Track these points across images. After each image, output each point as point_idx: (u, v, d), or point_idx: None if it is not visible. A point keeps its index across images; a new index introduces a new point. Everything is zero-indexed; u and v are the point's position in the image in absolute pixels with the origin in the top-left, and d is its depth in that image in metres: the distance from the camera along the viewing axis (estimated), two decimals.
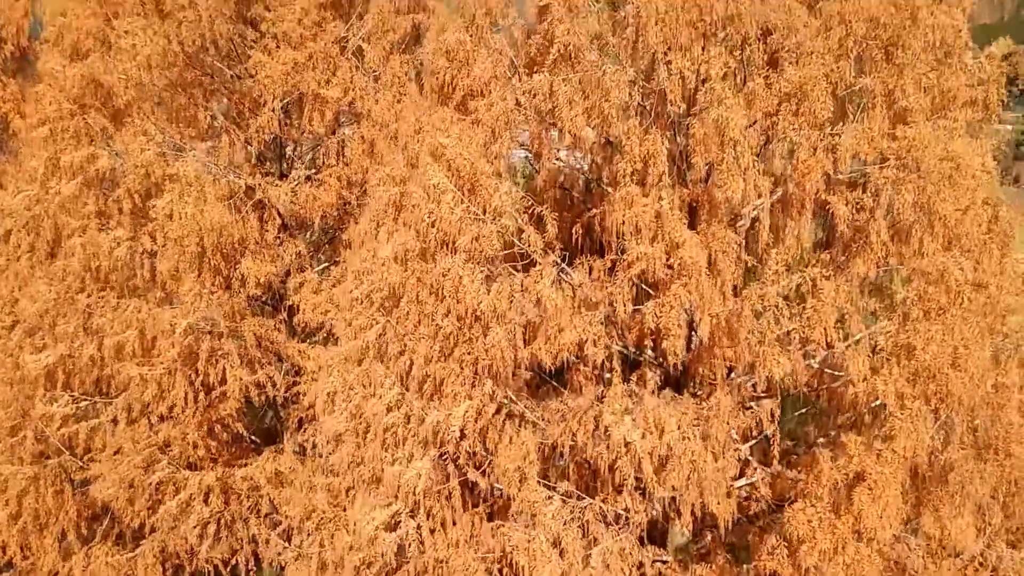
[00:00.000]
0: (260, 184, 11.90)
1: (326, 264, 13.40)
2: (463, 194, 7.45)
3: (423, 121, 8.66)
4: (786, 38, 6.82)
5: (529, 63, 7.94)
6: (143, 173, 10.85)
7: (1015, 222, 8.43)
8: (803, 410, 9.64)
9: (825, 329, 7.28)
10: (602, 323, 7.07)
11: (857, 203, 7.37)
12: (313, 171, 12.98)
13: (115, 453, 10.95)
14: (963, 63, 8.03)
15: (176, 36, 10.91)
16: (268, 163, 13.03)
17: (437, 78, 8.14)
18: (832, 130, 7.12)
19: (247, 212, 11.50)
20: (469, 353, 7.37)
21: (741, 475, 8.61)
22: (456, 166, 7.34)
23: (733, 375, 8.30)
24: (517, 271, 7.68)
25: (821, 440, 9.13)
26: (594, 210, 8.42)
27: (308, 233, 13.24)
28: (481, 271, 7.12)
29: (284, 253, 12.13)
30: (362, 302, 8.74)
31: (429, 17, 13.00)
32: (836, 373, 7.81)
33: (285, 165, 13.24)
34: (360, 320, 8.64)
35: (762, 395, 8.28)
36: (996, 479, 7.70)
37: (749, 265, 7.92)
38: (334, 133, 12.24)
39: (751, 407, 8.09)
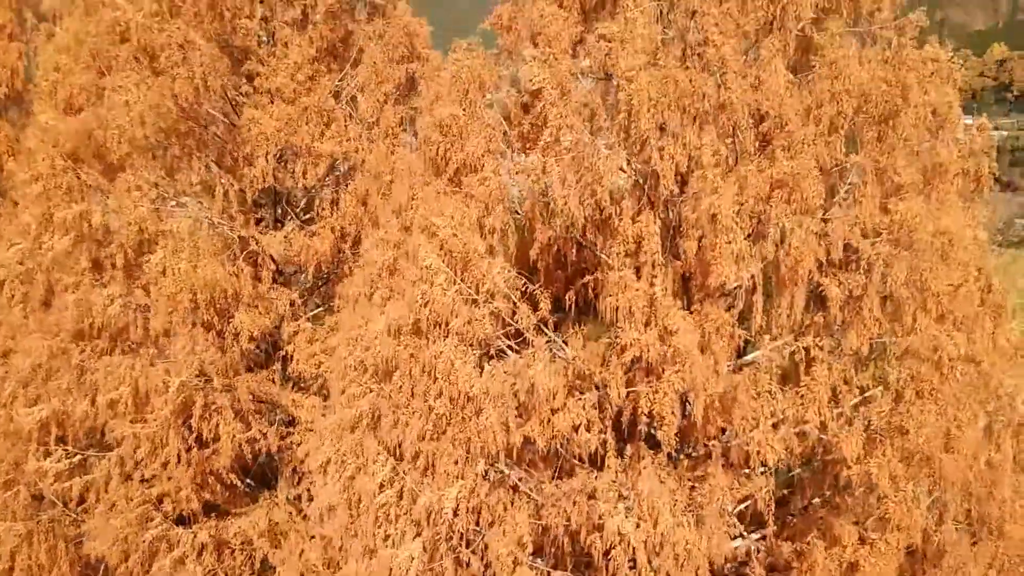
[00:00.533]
0: (254, 236, 11.92)
1: (321, 308, 13.43)
2: (456, 273, 7.45)
3: (417, 188, 8.69)
4: (778, 127, 6.84)
5: (522, 138, 7.95)
6: (136, 229, 10.84)
7: (1008, 292, 8.45)
8: (798, 470, 9.63)
9: (819, 408, 7.28)
10: (595, 407, 7.07)
11: (850, 283, 7.37)
12: (308, 215, 13.03)
13: (109, 509, 10.90)
14: (955, 136, 8.05)
15: (170, 91, 10.91)
16: (263, 209, 13.05)
17: (431, 149, 8.13)
18: (825, 215, 7.14)
19: (240, 265, 11.48)
20: (462, 432, 7.35)
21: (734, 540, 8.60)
22: (449, 246, 7.33)
23: (727, 437, 8.30)
24: (511, 347, 7.68)
25: (816, 500, 9.16)
26: (588, 277, 8.43)
27: (302, 278, 13.23)
28: (474, 353, 7.12)
29: (278, 302, 12.12)
30: (355, 369, 8.73)
31: (423, 65, 13.08)
32: (829, 450, 7.80)
33: (280, 211, 13.26)
34: (353, 389, 8.63)
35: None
36: (989, 558, 7.71)
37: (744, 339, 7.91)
38: (328, 184, 12.24)
39: (747, 472, 8.10)
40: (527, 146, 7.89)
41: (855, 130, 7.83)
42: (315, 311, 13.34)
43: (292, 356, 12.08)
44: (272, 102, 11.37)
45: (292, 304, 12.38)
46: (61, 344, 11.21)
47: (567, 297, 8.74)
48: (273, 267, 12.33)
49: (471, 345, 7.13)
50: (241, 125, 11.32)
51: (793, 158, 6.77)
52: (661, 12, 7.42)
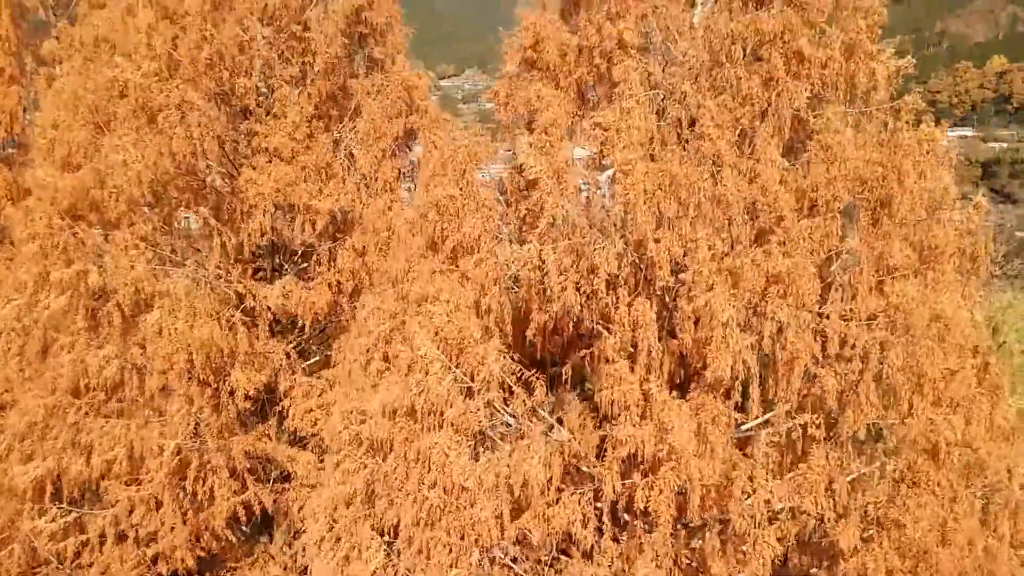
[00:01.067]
0: (251, 291, 11.91)
1: (317, 358, 13.41)
2: (451, 358, 7.44)
3: (414, 260, 8.69)
4: (773, 222, 6.84)
5: (520, 219, 7.95)
6: (133, 290, 10.83)
7: (1004, 370, 8.42)
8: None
9: (815, 498, 7.26)
10: (591, 501, 7.05)
11: (846, 371, 7.35)
12: (305, 263, 13.03)
13: (102, 573, 10.86)
14: (951, 218, 8.04)
15: (168, 150, 10.92)
16: (261, 259, 13.05)
17: (428, 227, 8.12)
18: (821, 307, 7.13)
19: (237, 321, 11.47)
20: (456, 521, 7.32)
21: None
22: (444, 333, 7.32)
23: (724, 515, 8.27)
24: (507, 431, 7.65)
25: (814, 570, 9.13)
26: (584, 351, 8.40)
27: (298, 329, 13.21)
28: (468, 443, 7.09)
29: (274, 357, 12.11)
30: (350, 443, 8.71)
31: (422, 117, 13.10)
32: (826, 532, 7.77)
33: (278, 259, 13.26)
34: (348, 464, 8.60)
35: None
36: None
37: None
38: (326, 237, 12.22)
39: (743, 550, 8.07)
40: (524, 227, 7.88)
41: (851, 212, 7.82)
42: (312, 360, 13.35)
43: (288, 411, 12.09)
44: (270, 161, 11.37)
45: (288, 356, 12.39)
46: (57, 401, 11.19)
47: (563, 370, 8.74)
48: (270, 317, 12.32)
49: (466, 435, 7.10)
50: (239, 184, 11.30)
51: (789, 254, 6.76)
52: (656, 99, 7.42)
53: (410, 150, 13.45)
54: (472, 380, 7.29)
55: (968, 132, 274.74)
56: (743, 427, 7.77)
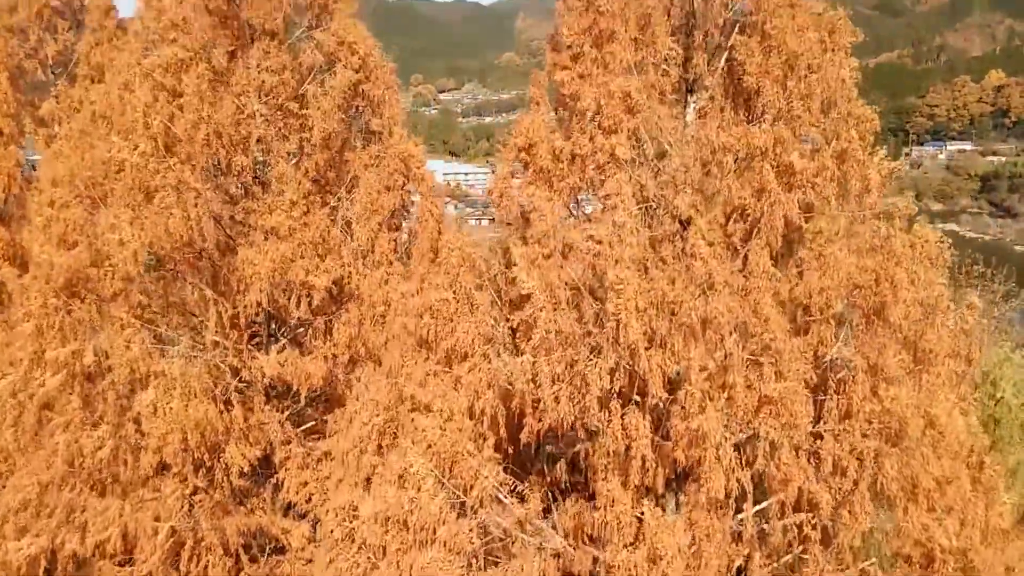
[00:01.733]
0: (247, 363, 11.91)
1: (313, 422, 13.39)
2: (444, 470, 7.43)
3: (406, 355, 8.69)
4: (766, 343, 6.84)
5: (513, 331, 7.96)
6: (128, 370, 10.82)
7: (999, 473, 8.41)
8: None
9: None
10: None
11: (840, 486, 7.34)
12: (301, 329, 13.02)
13: None
14: (944, 322, 8.04)
15: (164, 228, 10.93)
16: (256, 326, 13.04)
17: (422, 329, 8.13)
18: (813, 428, 7.13)
19: (231, 398, 11.46)
20: None
21: None
22: (437, 448, 7.31)
23: None
24: (503, 538, 7.63)
25: None
26: (579, 446, 8.39)
27: (294, 394, 13.19)
28: (461, 563, 7.07)
29: (270, 429, 12.09)
30: (344, 541, 8.67)
31: (419, 186, 13.15)
32: None
33: (274, 325, 13.25)
34: (342, 563, 8.56)
35: None
36: None
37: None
38: (322, 313, 12.23)
39: None
40: (518, 337, 7.88)
41: (844, 320, 7.83)
42: (308, 424, 13.33)
43: (283, 482, 12.06)
44: (267, 238, 11.39)
45: (283, 425, 12.37)
46: (51, 478, 11.16)
47: (557, 468, 8.73)
48: (265, 383, 12.31)
49: (458, 555, 7.08)
50: (235, 263, 11.32)
51: (782, 375, 6.76)
52: (647, 212, 7.44)
53: (408, 214, 13.50)
54: (465, 494, 7.27)
55: (967, 146, 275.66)
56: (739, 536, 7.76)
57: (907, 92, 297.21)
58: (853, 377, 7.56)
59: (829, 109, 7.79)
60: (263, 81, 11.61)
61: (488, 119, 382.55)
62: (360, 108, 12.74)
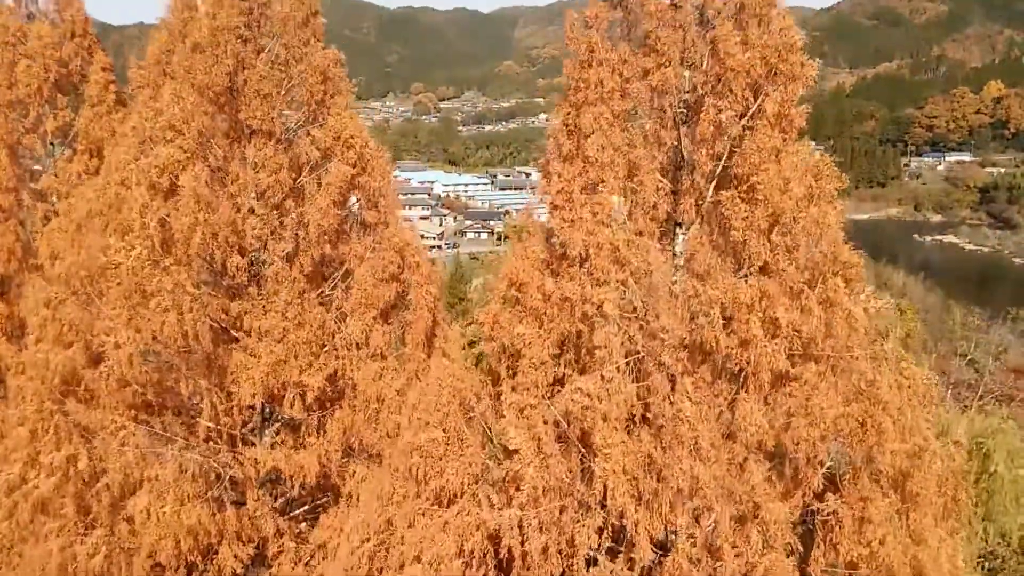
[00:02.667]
0: (242, 460, 11.98)
1: (308, 508, 13.45)
2: None
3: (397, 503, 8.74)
4: (751, 509, 6.91)
5: (500, 480, 8.04)
6: (122, 474, 10.89)
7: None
8: None
9: None
10: None
11: None
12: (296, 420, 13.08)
13: None
14: (932, 463, 8.11)
15: (160, 332, 11.01)
16: (251, 410, 13.11)
17: (412, 467, 8.19)
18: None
19: (224, 499, 11.52)
20: None
21: None
22: None
23: None
24: None
25: None
26: None
27: (288, 486, 13.24)
28: None
29: (263, 525, 12.15)
30: None
31: (414, 274, 13.23)
32: None
33: (268, 410, 13.32)
34: None
35: None
36: None
37: None
38: (316, 409, 12.29)
39: None
40: (507, 484, 7.94)
41: (833, 467, 7.90)
42: (302, 509, 13.39)
43: None
44: (261, 340, 11.47)
45: (276, 515, 12.44)
46: None
47: None
48: (258, 479, 12.37)
49: None
50: (229, 365, 11.40)
51: (769, 545, 6.83)
52: (634, 364, 7.52)
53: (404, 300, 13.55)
54: None
55: (966, 157, 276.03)
56: None
57: (906, 103, 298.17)
58: (840, 524, 7.62)
59: (816, 261, 7.87)
60: (259, 181, 11.70)
61: (488, 127, 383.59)
62: (356, 200, 12.83)
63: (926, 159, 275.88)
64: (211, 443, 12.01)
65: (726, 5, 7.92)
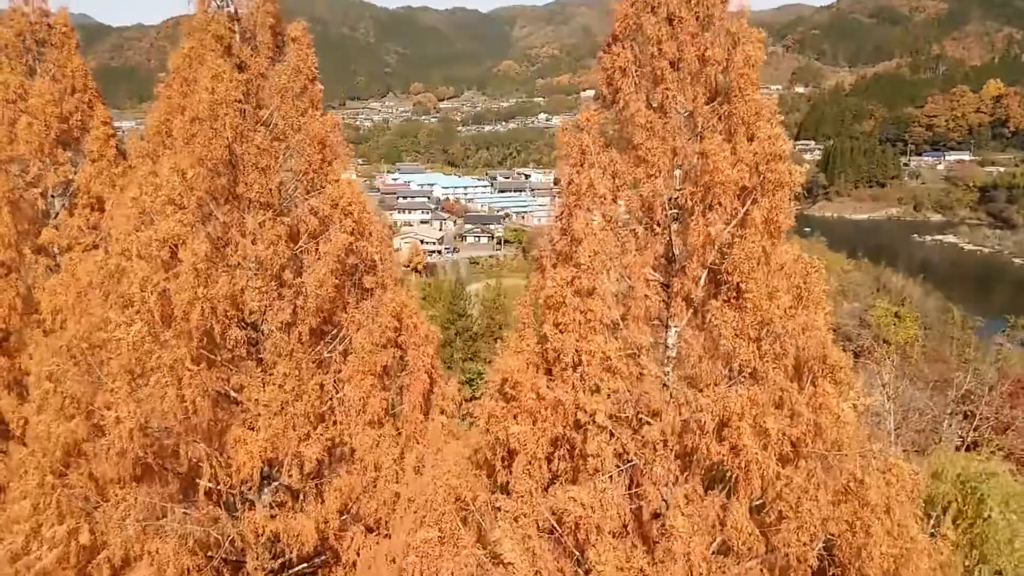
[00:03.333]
0: (240, 527, 12.12)
1: (307, 566, 13.58)
2: None
3: None
4: None
5: None
6: (123, 548, 11.04)
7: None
8: None
9: None
10: None
11: None
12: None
13: None
14: (919, 563, 8.24)
15: (159, 409, 11.15)
16: (252, 477, 13.24)
17: (410, 568, 8.33)
18: None
19: (223, 567, 11.67)
20: None
21: None
22: None
23: None
24: None
25: None
26: None
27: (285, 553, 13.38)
28: None
29: None
30: None
31: (411, 336, 13.37)
32: None
33: (267, 471, 13.45)
34: None
35: None
36: None
37: None
38: (313, 477, 12.43)
39: None
40: None
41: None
42: (301, 566, 13.52)
43: None
44: (259, 414, 11.60)
45: None
46: None
47: None
48: (258, 541, 12.51)
49: None
50: (226, 440, 11.54)
51: None
52: (627, 471, 7.65)
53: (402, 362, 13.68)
54: None
55: (965, 156, 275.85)
56: None
57: (905, 102, 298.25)
58: None
59: (804, 363, 8.01)
60: (258, 252, 11.82)
61: (488, 127, 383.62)
62: (354, 266, 12.96)
63: (926, 158, 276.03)
64: (211, 506, 12.15)
65: (715, 113, 8.06)
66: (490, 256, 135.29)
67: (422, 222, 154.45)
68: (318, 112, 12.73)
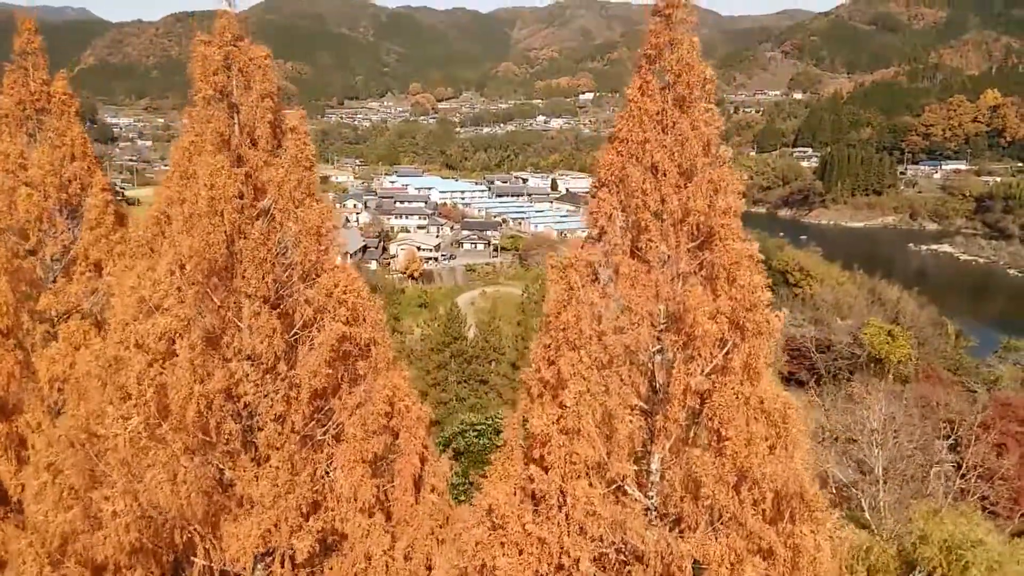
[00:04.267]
0: None
1: None
2: None
3: None
4: None
5: None
6: None
7: None
8: None
9: None
10: None
11: None
12: None
13: None
14: None
15: (154, 504, 11.40)
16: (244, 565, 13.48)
17: None
18: None
19: None
20: None
21: None
22: None
23: None
24: None
25: None
26: None
27: None
28: None
29: None
30: None
31: (403, 420, 13.62)
32: None
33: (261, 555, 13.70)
34: None
35: None
36: None
37: None
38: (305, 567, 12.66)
39: None
40: None
41: None
42: None
43: None
44: (253, 507, 11.84)
45: None
46: None
47: None
48: None
49: None
50: (219, 533, 11.78)
51: None
52: None
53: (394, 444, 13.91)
54: None
55: (962, 165, 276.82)
56: None
57: (902, 110, 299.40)
58: None
59: (783, 499, 8.28)
60: (252, 348, 12.06)
61: (486, 129, 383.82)
62: (347, 352, 13.18)
63: (922, 167, 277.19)
64: None
65: (696, 259, 8.32)
66: (486, 264, 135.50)
67: (419, 227, 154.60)
68: (315, 201, 12.96)
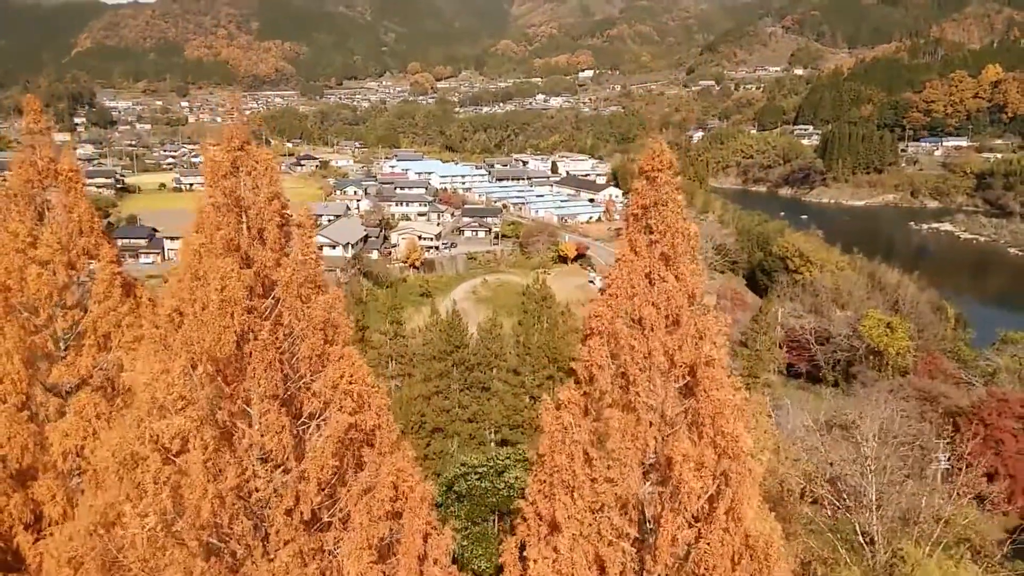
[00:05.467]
0: None
1: None
2: None
3: None
4: None
5: None
6: None
7: None
8: None
9: None
10: None
11: None
12: None
13: None
14: None
15: None
16: None
17: None
18: None
19: None
20: None
21: None
22: None
23: None
24: None
25: None
26: None
27: None
28: None
29: None
30: None
31: (408, 501, 14.17)
32: None
33: None
34: None
35: None
36: None
37: None
38: None
39: None
40: None
41: None
42: None
43: None
44: None
45: None
46: None
47: None
48: None
49: None
50: None
51: None
52: None
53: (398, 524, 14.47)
54: None
55: (963, 142, 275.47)
56: None
57: (903, 87, 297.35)
58: None
59: None
60: (263, 444, 12.57)
61: (485, 109, 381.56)
62: (353, 440, 13.70)
63: (923, 144, 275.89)
64: None
65: (682, 406, 8.80)
66: (487, 251, 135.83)
67: (420, 215, 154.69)
68: (321, 295, 13.41)
